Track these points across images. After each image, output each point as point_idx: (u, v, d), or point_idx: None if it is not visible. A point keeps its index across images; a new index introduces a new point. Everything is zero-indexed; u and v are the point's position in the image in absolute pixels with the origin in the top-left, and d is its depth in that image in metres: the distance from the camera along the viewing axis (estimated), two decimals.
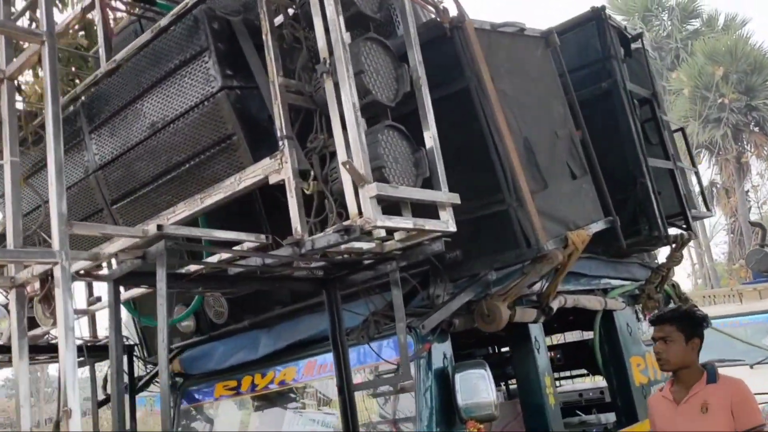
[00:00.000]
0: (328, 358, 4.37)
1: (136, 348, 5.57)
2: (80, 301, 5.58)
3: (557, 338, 7.84)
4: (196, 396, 5.62)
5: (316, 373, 4.78)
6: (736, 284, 15.46)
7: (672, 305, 6.52)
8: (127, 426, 4.51)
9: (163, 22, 4.03)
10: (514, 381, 7.44)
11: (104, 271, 3.71)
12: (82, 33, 5.66)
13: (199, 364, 5.53)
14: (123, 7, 4.78)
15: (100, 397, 5.49)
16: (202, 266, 3.59)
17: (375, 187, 3.23)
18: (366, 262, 4.04)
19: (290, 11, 3.86)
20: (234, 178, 3.77)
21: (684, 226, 6.34)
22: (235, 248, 3.51)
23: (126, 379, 5.59)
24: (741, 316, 10.44)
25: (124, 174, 4.27)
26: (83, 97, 4.47)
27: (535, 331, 4.96)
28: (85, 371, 5.29)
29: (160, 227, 2.97)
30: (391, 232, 3.77)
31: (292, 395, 5.18)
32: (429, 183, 3.70)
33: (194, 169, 3.95)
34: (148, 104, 4.06)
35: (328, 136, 3.62)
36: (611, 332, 5.82)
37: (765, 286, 10.80)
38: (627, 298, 6.12)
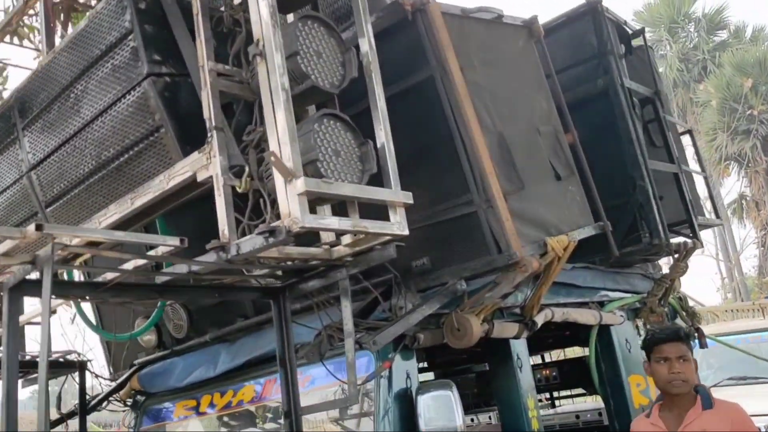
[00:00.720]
0: None
1: (90, 364, 5.19)
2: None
3: (557, 354, 7.32)
4: (157, 415, 5.23)
5: (275, 393, 4.36)
6: (760, 298, 14.79)
7: (677, 321, 6.03)
8: None
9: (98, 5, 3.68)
10: None
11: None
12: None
13: (158, 381, 5.14)
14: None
15: (54, 416, 5.12)
16: (120, 274, 3.19)
17: (302, 182, 2.82)
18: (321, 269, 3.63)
19: None
20: (163, 176, 3.39)
21: (690, 234, 5.84)
22: (150, 253, 3.11)
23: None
24: (764, 331, 9.89)
25: (56, 173, 3.91)
26: (18, 92, 4.12)
27: (518, 347, 4.50)
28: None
29: (39, 227, 2.58)
30: (341, 235, 3.38)
31: (254, 417, 4.77)
32: (380, 180, 3.29)
33: (124, 167, 3.57)
34: (77, 95, 3.70)
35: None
36: (608, 349, 5.33)
37: None
38: (627, 312, 5.63)
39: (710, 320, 11.51)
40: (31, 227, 2.56)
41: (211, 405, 4.76)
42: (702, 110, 28.33)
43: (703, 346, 6.03)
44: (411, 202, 3.25)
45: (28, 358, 4.84)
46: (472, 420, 6.72)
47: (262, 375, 4.47)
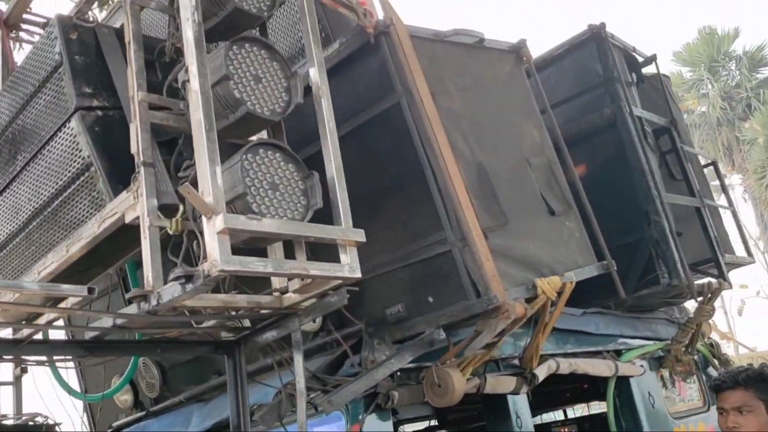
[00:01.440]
0: None
1: (58, 428, 4.84)
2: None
3: (582, 408, 6.77)
4: None
5: None
6: None
7: (737, 367, 5.45)
8: None
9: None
10: None
11: None
12: None
13: None
14: (26, 36, 4.21)
15: None
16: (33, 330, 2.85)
17: (221, 219, 2.46)
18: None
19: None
20: (95, 220, 3.06)
21: (716, 273, 5.33)
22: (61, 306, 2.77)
23: None
24: None
25: None
26: None
27: (518, 404, 4.04)
28: None
29: None
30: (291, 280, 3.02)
31: None
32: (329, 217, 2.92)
33: (58, 211, 3.27)
34: (14, 136, 3.43)
35: None
36: (629, 403, 4.82)
37: None
38: (649, 362, 5.11)
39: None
40: None
41: None
42: (749, 148, 27.56)
43: None
44: (363, 240, 2.87)
45: None
46: None
47: None
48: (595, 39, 5.32)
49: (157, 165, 2.93)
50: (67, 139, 3.12)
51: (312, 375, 3.48)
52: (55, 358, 3.61)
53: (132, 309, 2.74)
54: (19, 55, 4.43)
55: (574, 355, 4.56)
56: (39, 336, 3.30)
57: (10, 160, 3.47)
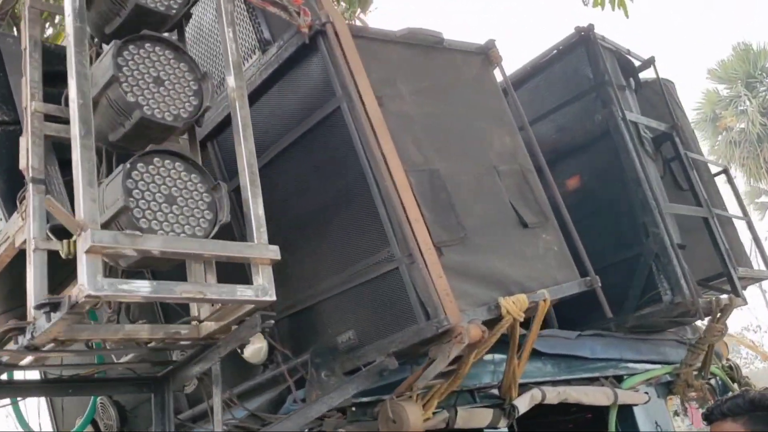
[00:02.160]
0: None
1: None
2: None
3: None
4: None
5: None
6: None
7: (729, 394, 4.95)
8: None
9: None
10: None
11: None
12: None
13: None
14: None
15: None
16: None
17: (88, 236, 2.13)
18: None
19: None
20: None
21: (728, 288, 4.85)
22: None
23: None
24: None
25: None
26: None
27: None
28: None
29: None
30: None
31: None
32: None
33: None
34: None
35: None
36: None
37: None
38: (656, 388, 4.64)
39: None
40: None
41: None
42: None
43: None
44: (278, 258, 2.52)
45: None
46: None
47: None
48: (584, 42, 4.94)
49: (54, 182, 2.64)
50: None
51: (251, 414, 3.13)
52: None
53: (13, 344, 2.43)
54: None
55: (568, 382, 4.12)
56: None
57: None
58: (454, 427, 3.40)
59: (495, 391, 3.70)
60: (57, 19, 5.07)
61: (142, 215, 2.33)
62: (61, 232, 2.53)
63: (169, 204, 2.42)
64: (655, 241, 4.43)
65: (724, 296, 4.63)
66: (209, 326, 2.70)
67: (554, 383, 4.00)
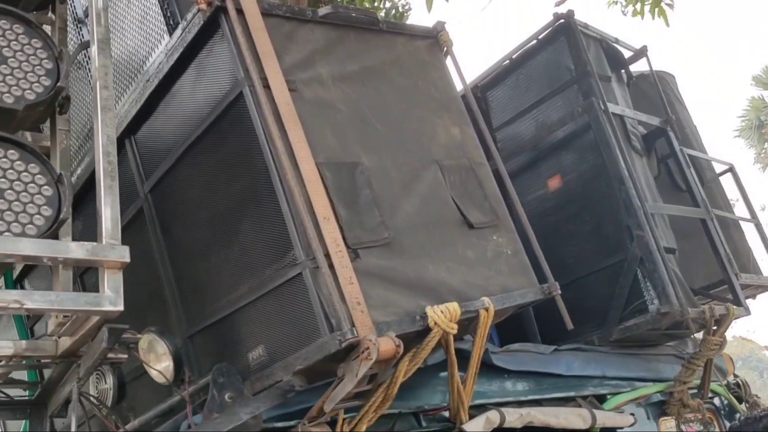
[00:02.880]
0: None
1: None
2: None
3: None
4: None
5: None
6: None
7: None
8: None
9: None
10: None
11: None
12: None
13: None
14: None
15: None
16: None
17: None
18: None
19: None
20: None
21: (730, 297, 4.34)
22: None
23: None
24: None
25: None
26: None
27: None
28: None
29: None
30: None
31: None
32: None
33: None
34: None
35: None
36: None
37: None
38: (647, 409, 4.15)
39: None
40: None
41: None
42: None
43: None
44: (127, 260, 2.14)
45: None
46: None
47: None
48: (564, 31, 4.51)
49: None
50: None
51: None
52: None
53: None
54: None
55: (538, 402, 3.67)
56: None
57: None
58: None
59: (446, 413, 3.28)
60: None
61: None
62: None
63: None
64: (640, 245, 3.97)
65: (720, 306, 4.11)
66: (66, 342, 2.33)
67: (519, 404, 3.56)
